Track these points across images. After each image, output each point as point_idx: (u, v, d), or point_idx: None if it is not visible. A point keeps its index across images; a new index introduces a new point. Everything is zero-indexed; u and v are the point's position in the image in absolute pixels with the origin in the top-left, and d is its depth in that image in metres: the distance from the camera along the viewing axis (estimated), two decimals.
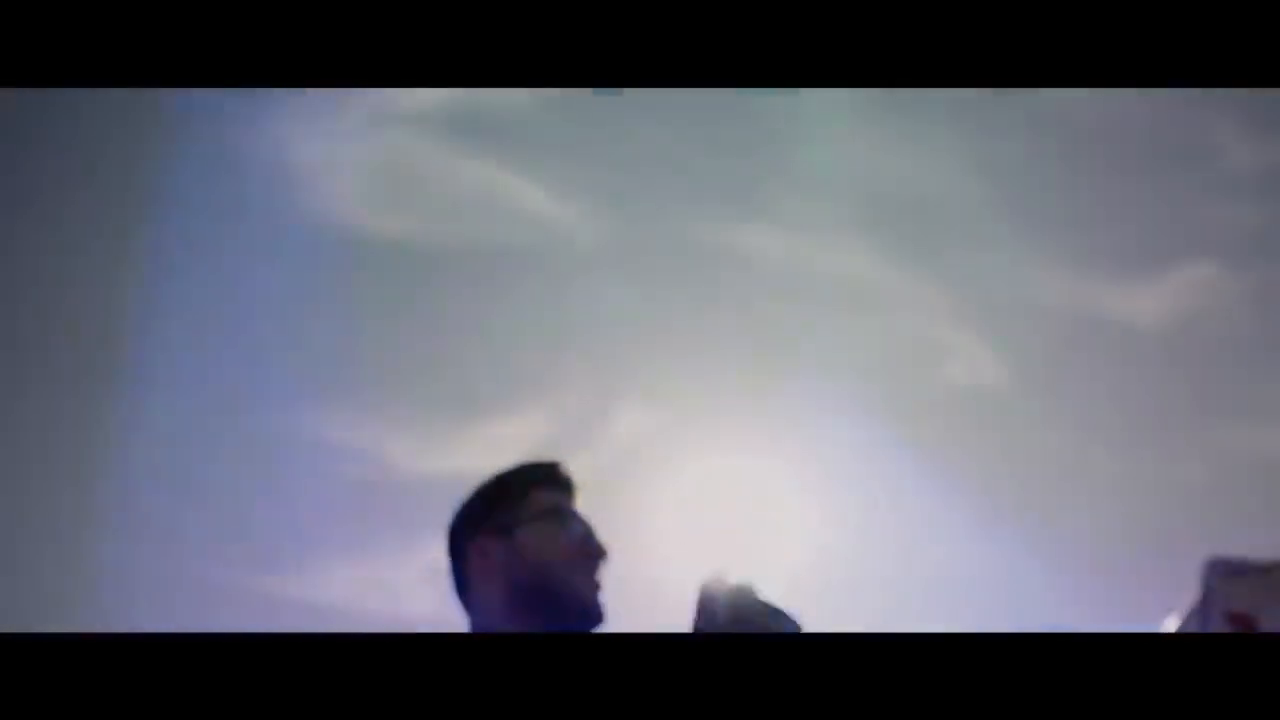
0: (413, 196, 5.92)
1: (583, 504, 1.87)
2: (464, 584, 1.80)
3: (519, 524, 1.79)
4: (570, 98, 5.63)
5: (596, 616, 1.73)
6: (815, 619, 1.59)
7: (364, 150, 5.81)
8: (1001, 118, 5.69)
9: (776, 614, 1.58)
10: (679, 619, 1.61)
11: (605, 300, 5.86)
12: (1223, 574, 2.57)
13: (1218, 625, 2.59)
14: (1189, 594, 2.57)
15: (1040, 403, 5.87)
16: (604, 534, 1.82)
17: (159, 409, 5.43)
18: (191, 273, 5.49)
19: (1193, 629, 2.56)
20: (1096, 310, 6.02)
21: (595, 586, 1.77)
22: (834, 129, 5.86)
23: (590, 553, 1.79)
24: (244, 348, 5.75)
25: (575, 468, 1.85)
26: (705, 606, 1.59)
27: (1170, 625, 2.70)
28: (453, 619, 1.78)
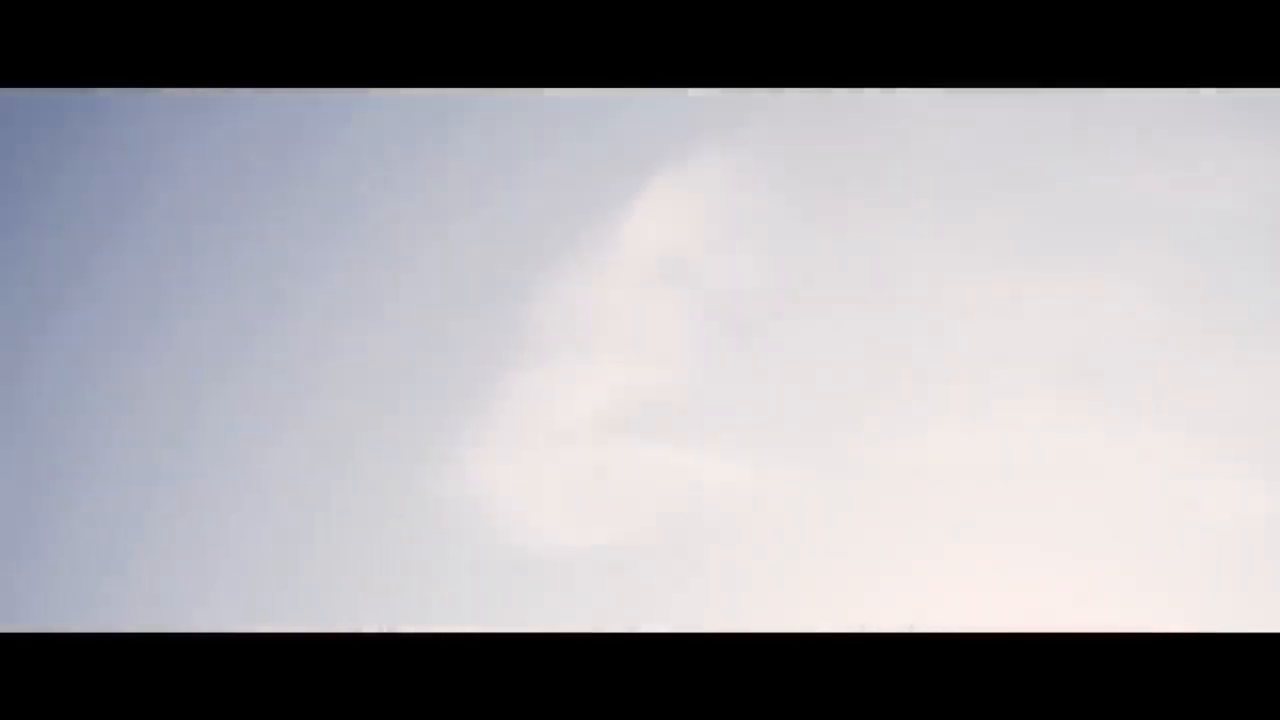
0: (603, 502, 5.85)
1: None
2: None
3: None
4: (711, 360, 5.35)
5: None
6: None
7: (540, 468, 5.70)
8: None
9: None
10: None
11: (822, 548, 5.81)
12: None
13: None
14: None
15: None
16: None
17: None
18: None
19: None
20: None
21: None
22: (965, 296, 5.50)
23: None
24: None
25: None
26: None
27: None
28: None
